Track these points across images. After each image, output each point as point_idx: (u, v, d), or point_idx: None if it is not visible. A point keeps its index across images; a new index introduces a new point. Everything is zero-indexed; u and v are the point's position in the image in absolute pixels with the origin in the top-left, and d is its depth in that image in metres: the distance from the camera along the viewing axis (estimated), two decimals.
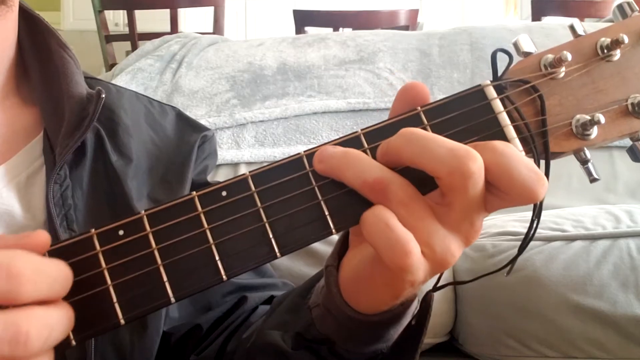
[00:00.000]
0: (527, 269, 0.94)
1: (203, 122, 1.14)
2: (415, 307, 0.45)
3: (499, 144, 0.36)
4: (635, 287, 0.90)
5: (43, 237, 0.35)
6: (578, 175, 1.21)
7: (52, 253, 0.36)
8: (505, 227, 1.03)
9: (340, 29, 2.39)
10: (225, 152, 1.21)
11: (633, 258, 0.92)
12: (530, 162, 0.35)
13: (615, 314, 0.90)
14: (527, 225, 0.40)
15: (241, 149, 1.22)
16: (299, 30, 2.47)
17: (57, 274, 0.34)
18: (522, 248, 0.39)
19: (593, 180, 0.38)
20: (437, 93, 1.24)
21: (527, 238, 0.39)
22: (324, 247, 1.04)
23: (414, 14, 2.45)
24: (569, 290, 0.92)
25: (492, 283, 0.98)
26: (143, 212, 0.37)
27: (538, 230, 1.07)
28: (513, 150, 0.36)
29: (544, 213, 1.13)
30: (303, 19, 2.47)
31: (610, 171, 1.23)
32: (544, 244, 0.96)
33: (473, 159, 0.34)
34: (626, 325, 0.90)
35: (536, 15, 2.46)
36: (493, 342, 0.99)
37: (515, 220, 1.06)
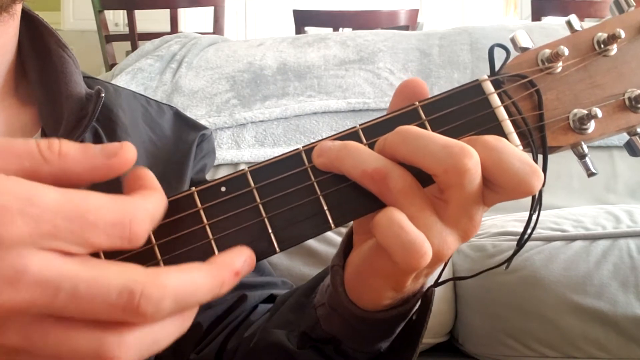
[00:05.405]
0: (527, 269, 0.94)
1: (203, 122, 1.15)
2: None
3: (490, 138, 0.36)
4: (635, 287, 0.90)
5: (130, 154, 0.32)
6: (578, 175, 1.21)
7: None
8: (505, 227, 1.03)
9: (340, 29, 2.39)
10: (225, 152, 1.21)
11: (633, 258, 0.92)
12: (523, 155, 0.35)
13: (615, 314, 0.90)
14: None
15: (241, 149, 1.22)
16: (299, 30, 2.47)
17: None
18: (521, 241, 0.39)
19: (591, 174, 0.38)
20: (437, 93, 1.24)
21: (526, 231, 0.38)
22: (323, 247, 1.04)
23: (414, 14, 2.45)
24: (568, 290, 0.92)
25: (492, 283, 0.98)
26: None
27: (538, 230, 1.07)
28: (505, 144, 0.35)
29: (544, 213, 1.13)
30: (303, 19, 2.48)
31: (610, 171, 1.23)
32: (544, 244, 0.95)
33: (469, 156, 0.34)
34: (626, 325, 0.90)
35: (536, 15, 2.46)
36: (493, 342, 0.99)
37: (515, 220, 1.06)
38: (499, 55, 0.39)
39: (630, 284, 0.90)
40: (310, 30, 2.49)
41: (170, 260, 0.36)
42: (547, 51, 0.38)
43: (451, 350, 1.06)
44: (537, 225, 0.39)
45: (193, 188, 0.37)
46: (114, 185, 0.57)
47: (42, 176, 0.29)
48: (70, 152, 0.30)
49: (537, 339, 0.95)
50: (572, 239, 0.95)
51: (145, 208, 0.31)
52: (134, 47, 2.53)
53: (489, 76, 0.39)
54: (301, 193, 0.37)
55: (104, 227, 0.28)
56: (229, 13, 2.75)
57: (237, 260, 0.34)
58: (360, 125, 0.38)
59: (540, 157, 0.38)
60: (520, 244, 0.39)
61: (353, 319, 0.43)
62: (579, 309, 0.91)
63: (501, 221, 1.06)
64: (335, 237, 1.03)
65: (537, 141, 0.38)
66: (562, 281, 0.92)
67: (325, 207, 0.37)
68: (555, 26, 1.42)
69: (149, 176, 0.33)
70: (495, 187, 0.36)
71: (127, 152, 0.31)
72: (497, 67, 0.39)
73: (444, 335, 1.05)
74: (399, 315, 0.43)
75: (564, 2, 2.36)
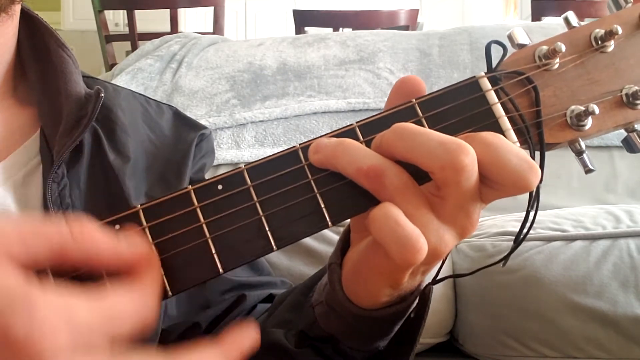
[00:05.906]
0: (527, 269, 0.94)
1: (203, 122, 1.14)
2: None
3: (487, 134, 0.35)
4: (635, 287, 0.90)
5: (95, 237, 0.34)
6: (578, 175, 1.21)
7: None
8: (505, 227, 1.03)
9: (340, 29, 2.39)
10: (225, 152, 1.21)
11: (633, 258, 0.92)
12: (520, 151, 0.35)
13: (615, 314, 0.90)
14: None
15: (241, 149, 1.22)
16: (299, 30, 2.47)
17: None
18: (518, 238, 0.39)
19: (588, 171, 0.38)
20: None
21: (524, 228, 0.38)
22: (323, 247, 1.04)
23: (414, 14, 2.45)
24: (568, 290, 0.91)
25: (492, 283, 0.97)
26: (139, 206, 0.37)
27: (538, 230, 1.06)
28: (502, 140, 0.35)
29: (543, 213, 1.13)
30: (303, 19, 2.48)
31: (609, 171, 1.23)
32: (544, 244, 0.95)
33: (465, 153, 0.34)
34: (626, 325, 0.90)
35: (536, 16, 2.46)
36: (493, 342, 0.98)
37: (515, 220, 1.06)
38: (498, 55, 0.39)
39: (630, 284, 0.90)
40: (310, 30, 2.49)
41: (167, 259, 0.36)
42: (545, 48, 0.38)
43: (451, 350, 1.06)
44: (537, 225, 0.39)
45: (189, 186, 0.37)
46: (112, 197, 0.57)
47: (67, 256, 0.32)
48: (100, 238, 0.33)
49: (537, 339, 0.95)
50: (572, 239, 0.95)
51: (154, 289, 0.34)
52: (134, 47, 2.53)
53: (486, 73, 0.38)
54: (298, 191, 0.37)
55: (129, 320, 0.31)
56: (229, 13, 2.76)
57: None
58: (357, 122, 0.38)
59: (537, 153, 0.38)
60: (518, 241, 0.39)
61: (351, 317, 0.43)
62: (579, 309, 0.91)
63: (501, 221, 1.06)
64: (335, 236, 1.03)
65: (534, 138, 0.38)
66: (562, 281, 0.92)
67: (322, 205, 0.37)
68: (555, 26, 1.42)
69: (151, 252, 0.36)
70: (493, 184, 0.36)
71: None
72: (494, 64, 0.39)
73: (444, 335, 1.04)
74: (397, 313, 0.43)
75: (564, 2, 2.36)
